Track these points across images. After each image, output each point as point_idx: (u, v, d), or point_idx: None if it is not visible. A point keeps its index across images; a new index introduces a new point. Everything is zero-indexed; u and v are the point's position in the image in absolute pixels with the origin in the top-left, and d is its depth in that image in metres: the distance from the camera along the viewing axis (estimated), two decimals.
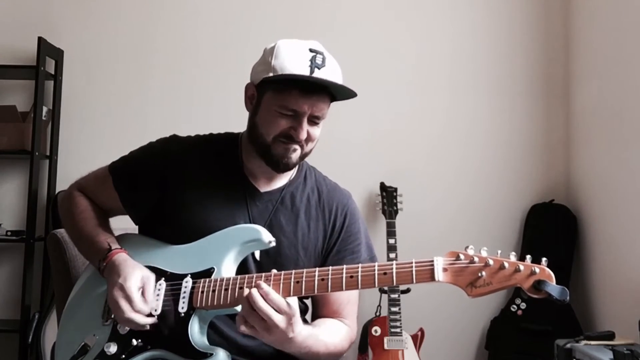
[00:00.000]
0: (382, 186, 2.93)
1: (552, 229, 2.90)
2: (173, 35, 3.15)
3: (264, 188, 1.52)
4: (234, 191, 1.50)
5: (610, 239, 2.67)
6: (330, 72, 1.41)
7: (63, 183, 3.04)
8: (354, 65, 3.09)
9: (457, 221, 3.02)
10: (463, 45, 3.12)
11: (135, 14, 3.16)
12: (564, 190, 3.03)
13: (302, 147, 1.45)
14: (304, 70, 1.39)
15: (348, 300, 1.53)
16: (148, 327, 1.34)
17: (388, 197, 2.89)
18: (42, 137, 2.96)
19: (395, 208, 2.88)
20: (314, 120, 1.44)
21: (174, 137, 1.58)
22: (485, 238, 2.96)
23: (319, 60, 1.40)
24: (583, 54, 2.96)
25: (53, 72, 3.04)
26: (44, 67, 2.94)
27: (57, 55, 3.06)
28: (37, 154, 2.89)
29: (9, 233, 2.96)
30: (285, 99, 1.40)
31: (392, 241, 2.79)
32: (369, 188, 3.01)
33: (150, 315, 1.35)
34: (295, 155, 1.45)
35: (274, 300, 1.26)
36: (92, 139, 3.09)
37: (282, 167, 1.47)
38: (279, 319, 1.26)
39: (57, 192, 3.02)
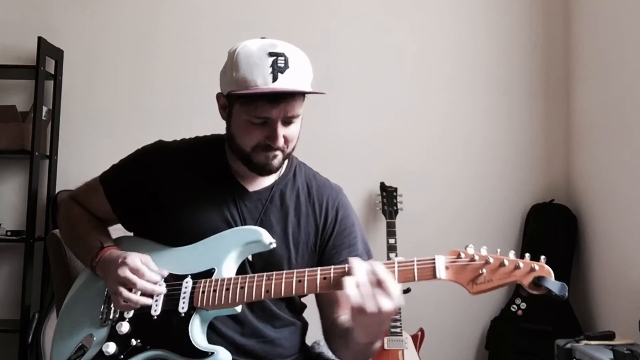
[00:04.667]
0: (382, 186, 2.93)
1: (552, 229, 2.90)
2: (173, 34, 3.15)
3: (253, 187, 1.51)
4: (223, 192, 1.50)
5: (611, 239, 2.67)
6: (295, 73, 1.37)
7: (63, 183, 3.04)
8: (354, 65, 3.10)
9: (457, 221, 3.02)
10: (463, 45, 3.12)
11: (136, 14, 3.16)
12: (564, 190, 3.03)
13: (282, 150, 1.43)
14: (267, 80, 1.34)
15: None
16: (155, 300, 1.35)
17: (388, 197, 2.89)
18: (42, 137, 2.96)
19: (395, 208, 2.88)
20: (288, 121, 1.41)
21: (160, 143, 1.58)
22: (486, 238, 2.96)
23: (280, 63, 1.35)
24: (583, 54, 2.96)
25: (53, 72, 3.04)
26: (44, 67, 2.94)
27: (57, 55, 3.06)
28: (37, 154, 2.89)
29: (9, 233, 2.96)
30: (253, 110, 1.37)
31: (392, 241, 2.79)
32: (369, 188, 3.01)
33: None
34: (277, 160, 1.44)
35: (392, 289, 1.21)
36: (92, 139, 3.09)
37: (266, 173, 1.47)
38: (387, 306, 1.20)
39: (57, 192, 3.02)
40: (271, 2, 3.14)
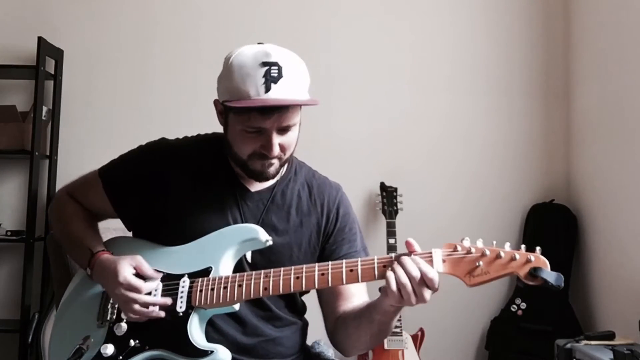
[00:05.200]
0: (382, 186, 2.93)
1: (552, 229, 2.90)
2: (173, 34, 3.15)
3: (254, 187, 1.52)
4: (225, 191, 1.50)
5: (611, 239, 2.67)
6: (289, 83, 1.35)
7: (63, 183, 2.98)
8: (354, 65, 3.10)
9: (457, 221, 3.01)
10: (463, 45, 3.12)
11: (136, 14, 3.16)
12: (564, 190, 3.03)
13: (279, 158, 1.43)
14: (259, 91, 1.33)
15: (361, 291, 1.54)
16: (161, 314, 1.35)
17: (388, 197, 2.89)
18: (42, 137, 2.95)
19: (395, 208, 2.87)
20: (283, 130, 1.40)
21: (163, 141, 1.58)
22: (486, 238, 2.91)
23: (274, 73, 1.34)
24: (583, 54, 2.96)
25: (53, 72, 3.04)
26: (44, 67, 2.93)
27: (57, 55, 3.06)
28: (37, 154, 2.89)
29: (9, 233, 2.96)
30: (246, 120, 1.37)
31: (392, 241, 2.79)
32: (369, 188, 3.01)
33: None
34: (273, 168, 1.44)
35: (433, 279, 1.25)
36: (92, 139, 3.09)
37: (263, 179, 1.47)
38: (428, 296, 1.26)
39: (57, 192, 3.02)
40: (271, 2, 3.14)
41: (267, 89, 1.33)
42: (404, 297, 1.24)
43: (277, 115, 1.36)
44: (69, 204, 1.60)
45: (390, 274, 1.26)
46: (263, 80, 1.34)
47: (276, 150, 1.39)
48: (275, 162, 1.43)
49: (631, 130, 2.50)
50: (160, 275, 1.40)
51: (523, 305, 2.82)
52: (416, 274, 1.24)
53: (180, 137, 1.61)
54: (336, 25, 3.13)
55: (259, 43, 1.42)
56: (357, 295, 1.51)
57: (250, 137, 1.39)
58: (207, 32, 3.13)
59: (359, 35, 3.11)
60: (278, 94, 1.34)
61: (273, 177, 1.47)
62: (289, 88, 1.35)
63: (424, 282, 1.24)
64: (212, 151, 1.54)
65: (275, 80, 1.34)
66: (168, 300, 1.36)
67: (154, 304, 1.36)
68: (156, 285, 1.38)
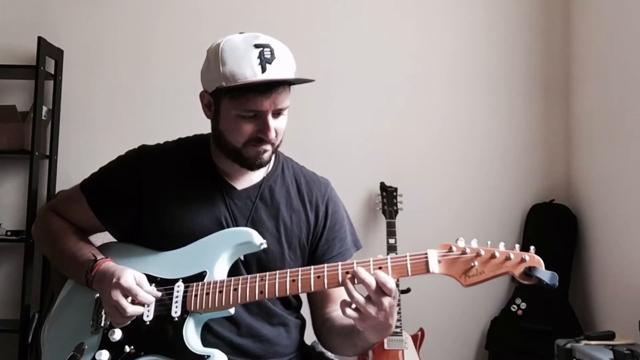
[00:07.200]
0: (382, 186, 2.93)
1: (553, 229, 2.90)
2: (173, 34, 3.15)
3: (241, 185, 1.51)
4: (212, 192, 1.49)
5: (611, 238, 2.67)
6: (282, 63, 1.38)
7: (63, 183, 3.04)
8: (354, 65, 3.10)
9: (457, 221, 3.01)
10: (463, 45, 3.12)
11: (136, 14, 3.15)
12: (564, 190, 3.03)
13: (273, 144, 1.44)
14: (256, 71, 1.35)
15: None
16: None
17: (388, 197, 2.89)
18: (42, 137, 2.95)
19: (395, 208, 2.87)
20: (277, 113, 1.41)
21: (144, 148, 1.57)
22: (485, 238, 2.91)
23: (267, 54, 1.36)
24: (583, 54, 2.95)
25: (53, 72, 3.04)
26: (44, 67, 2.93)
27: (57, 55, 3.06)
28: (37, 153, 2.89)
29: (9, 233, 2.96)
30: (244, 103, 1.37)
31: (392, 241, 2.79)
32: (369, 188, 3.01)
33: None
34: (267, 155, 1.45)
35: (392, 287, 1.25)
36: (92, 139, 3.09)
37: (256, 167, 1.47)
38: (391, 303, 1.26)
39: (57, 192, 3.02)
40: (272, 2, 3.14)
41: (263, 69, 1.35)
42: (368, 309, 1.24)
43: (275, 94, 1.37)
44: (55, 220, 1.56)
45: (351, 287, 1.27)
46: (258, 61, 1.35)
47: (273, 133, 1.40)
48: (269, 148, 1.44)
49: (631, 130, 2.50)
50: (157, 295, 1.37)
51: (523, 305, 2.82)
52: (371, 282, 1.24)
53: (174, 139, 1.60)
54: (336, 24, 3.12)
55: (240, 33, 1.44)
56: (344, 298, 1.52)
57: (246, 122, 1.40)
58: (207, 32, 3.12)
59: (358, 35, 3.11)
60: (274, 73, 1.36)
61: (267, 164, 1.47)
62: (283, 68, 1.38)
63: (380, 290, 1.24)
64: (195, 152, 1.54)
65: (270, 60, 1.36)
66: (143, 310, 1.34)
67: (136, 314, 1.33)
68: (152, 300, 1.35)
